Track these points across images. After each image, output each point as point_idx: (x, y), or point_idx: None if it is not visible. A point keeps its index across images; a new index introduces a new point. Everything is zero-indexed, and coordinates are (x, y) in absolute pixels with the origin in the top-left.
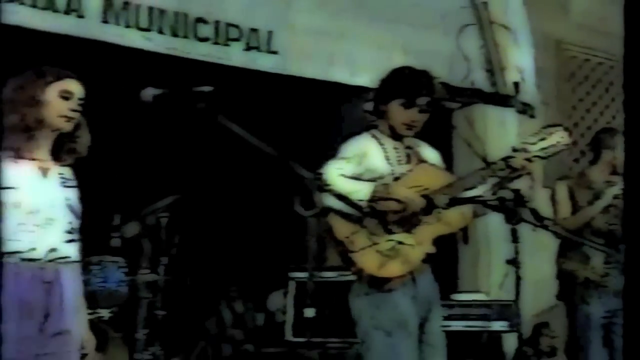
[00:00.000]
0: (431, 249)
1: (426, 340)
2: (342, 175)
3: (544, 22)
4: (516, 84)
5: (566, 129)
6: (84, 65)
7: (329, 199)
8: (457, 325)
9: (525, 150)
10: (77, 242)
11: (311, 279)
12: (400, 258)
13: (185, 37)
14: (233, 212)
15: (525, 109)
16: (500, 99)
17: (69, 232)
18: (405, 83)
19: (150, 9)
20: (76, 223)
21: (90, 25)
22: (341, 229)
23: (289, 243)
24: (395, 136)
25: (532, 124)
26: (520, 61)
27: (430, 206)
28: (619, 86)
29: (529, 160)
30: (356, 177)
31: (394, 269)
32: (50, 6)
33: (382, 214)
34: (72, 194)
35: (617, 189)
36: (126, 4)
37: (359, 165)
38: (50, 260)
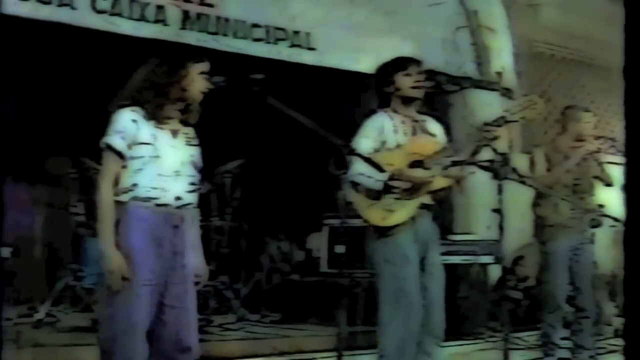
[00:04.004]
0: (427, 200)
1: (427, 270)
2: (366, 147)
3: (520, 26)
4: (499, 73)
5: (541, 97)
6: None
7: (355, 164)
8: (454, 259)
9: (505, 119)
10: (196, 192)
11: (341, 224)
12: (400, 211)
13: (244, 38)
14: (280, 172)
15: (506, 92)
16: (487, 85)
17: (191, 184)
18: (399, 59)
19: (218, 18)
20: (197, 176)
21: (171, 32)
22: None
23: (324, 196)
24: (406, 110)
25: (511, 104)
26: (502, 55)
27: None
28: (578, 74)
29: (507, 122)
30: (375, 151)
31: (394, 219)
32: None
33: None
34: (195, 151)
35: (582, 150)
36: (200, 14)
37: (377, 137)
38: (177, 207)
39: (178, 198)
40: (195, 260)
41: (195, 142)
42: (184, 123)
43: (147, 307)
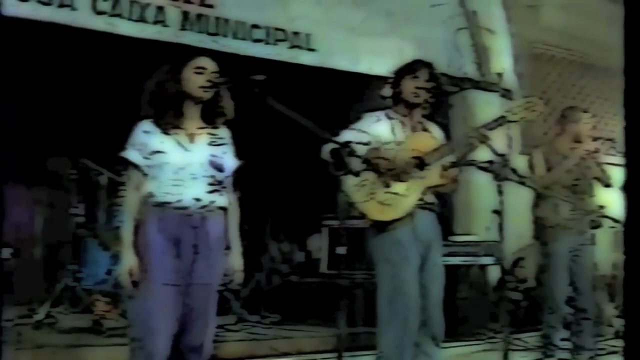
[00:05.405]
0: (424, 197)
1: (428, 271)
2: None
3: (519, 27)
4: (499, 74)
5: (541, 99)
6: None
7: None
8: (454, 260)
9: (505, 118)
10: (221, 192)
11: (341, 225)
12: (396, 205)
13: (244, 39)
14: (280, 173)
15: (506, 93)
16: (487, 86)
17: (212, 184)
18: (412, 63)
19: (217, 18)
20: (221, 176)
21: (171, 32)
22: (348, 183)
23: (323, 197)
24: (408, 112)
25: (512, 104)
26: (502, 57)
27: (422, 164)
28: (578, 75)
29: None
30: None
31: (391, 213)
32: None
33: (380, 171)
34: (220, 151)
35: (580, 151)
36: (200, 15)
37: (366, 131)
38: (198, 208)
39: (197, 199)
40: (229, 260)
41: (223, 141)
42: (211, 124)
43: (169, 307)
